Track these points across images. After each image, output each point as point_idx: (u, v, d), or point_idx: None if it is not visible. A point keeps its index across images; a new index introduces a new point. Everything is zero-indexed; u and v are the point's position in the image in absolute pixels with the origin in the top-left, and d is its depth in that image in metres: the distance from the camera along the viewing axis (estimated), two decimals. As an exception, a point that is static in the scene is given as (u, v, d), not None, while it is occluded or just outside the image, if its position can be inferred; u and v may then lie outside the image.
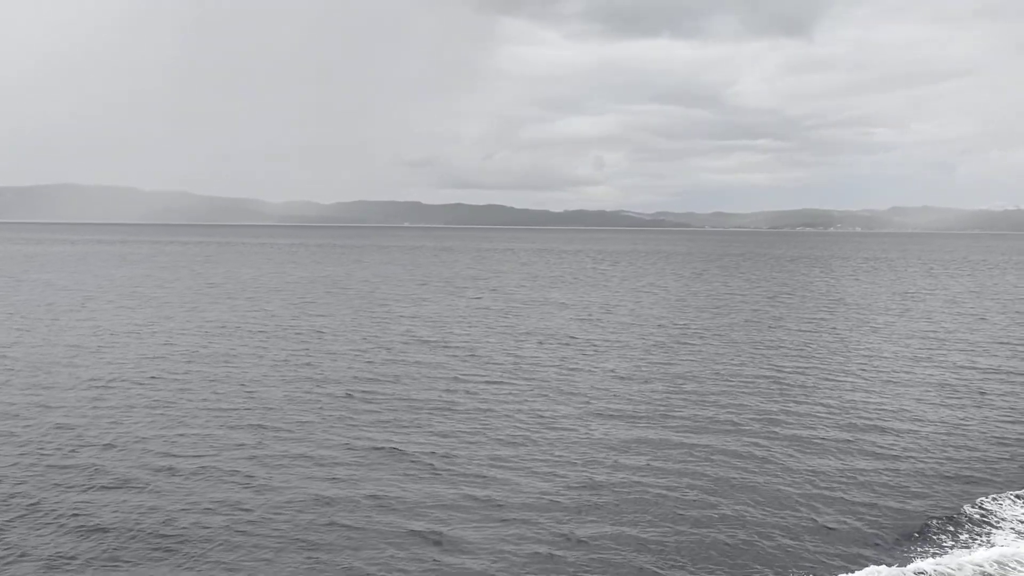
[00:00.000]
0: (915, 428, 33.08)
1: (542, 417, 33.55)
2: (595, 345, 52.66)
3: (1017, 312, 75.30)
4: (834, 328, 62.00)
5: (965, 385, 41.42)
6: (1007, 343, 55.39)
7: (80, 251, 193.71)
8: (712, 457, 28.71)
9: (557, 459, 28.34)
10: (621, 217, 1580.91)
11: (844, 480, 26.62)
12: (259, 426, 31.88)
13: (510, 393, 37.84)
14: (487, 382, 40.36)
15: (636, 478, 26.40)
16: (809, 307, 78.38)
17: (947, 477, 27.27)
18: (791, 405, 36.33)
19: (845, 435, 31.74)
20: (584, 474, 26.73)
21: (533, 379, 41.40)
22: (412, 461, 27.72)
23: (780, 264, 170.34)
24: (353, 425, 32.09)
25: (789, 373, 43.63)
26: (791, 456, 29.05)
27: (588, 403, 36.24)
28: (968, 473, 27.72)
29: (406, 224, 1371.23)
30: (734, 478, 26.55)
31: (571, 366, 44.99)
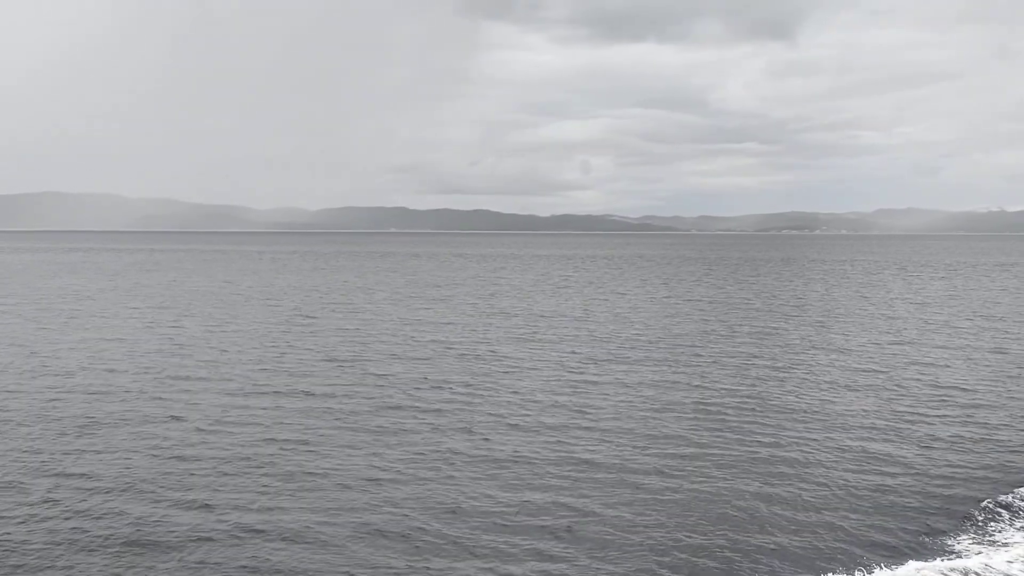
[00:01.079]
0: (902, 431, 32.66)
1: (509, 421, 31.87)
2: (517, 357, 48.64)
3: (981, 318, 71.67)
4: (785, 331, 58.26)
5: (942, 390, 40.17)
6: (970, 348, 51.75)
7: (49, 260, 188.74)
8: (709, 460, 28.63)
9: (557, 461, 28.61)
10: (608, 221, 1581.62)
11: (841, 488, 26.16)
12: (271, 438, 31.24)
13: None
14: (417, 401, 36.46)
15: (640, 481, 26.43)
16: (755, 311, 74.66)
17: (948, 479, 27.10)
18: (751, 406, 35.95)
19: (822, 437, 31.69)
20: (582, 479, 26.69)
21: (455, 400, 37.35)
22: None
23: (753, 267, 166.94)
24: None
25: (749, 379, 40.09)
26: (784, 459, 28.96)
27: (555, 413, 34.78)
28: (970, 474, 27.66)
29: (393, 230, 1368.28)
30: (732, 481, 26.46)
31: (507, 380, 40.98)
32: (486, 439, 31.15)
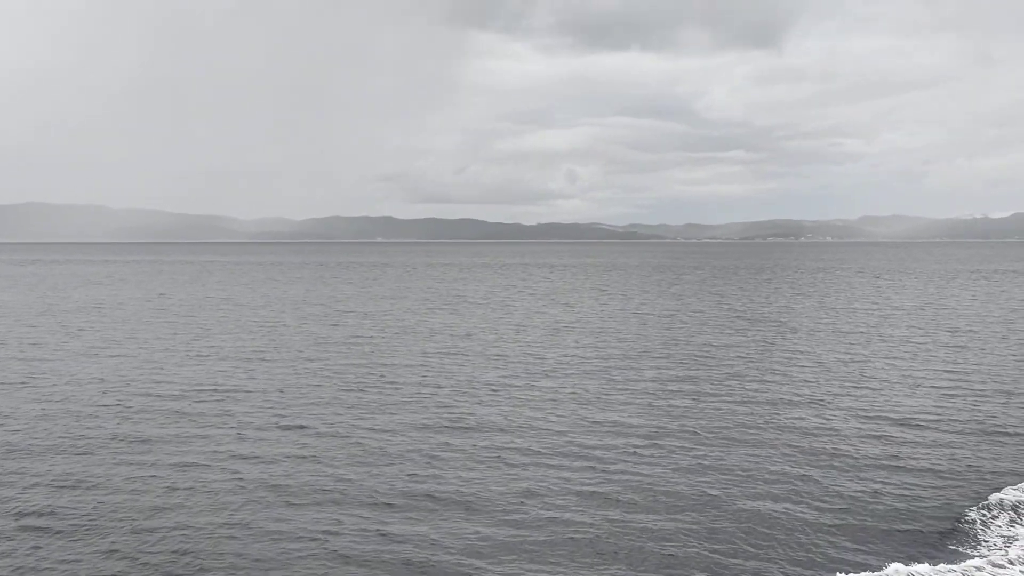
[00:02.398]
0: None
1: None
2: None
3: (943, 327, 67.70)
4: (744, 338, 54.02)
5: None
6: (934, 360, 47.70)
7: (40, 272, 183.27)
8: (701, 465, 28.62)
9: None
10: (594, 230, 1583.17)
11: (830, 492, 25.94)
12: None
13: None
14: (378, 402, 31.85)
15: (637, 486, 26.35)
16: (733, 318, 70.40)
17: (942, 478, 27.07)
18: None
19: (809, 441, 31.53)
20: (581, 489, 26.16)
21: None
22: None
23: (725, 276, 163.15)
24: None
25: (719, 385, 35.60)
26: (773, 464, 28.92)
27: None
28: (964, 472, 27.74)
29: (379, 239, 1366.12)
30: (724, 488, 26.28)
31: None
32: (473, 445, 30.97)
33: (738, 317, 77.19)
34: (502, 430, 33.26)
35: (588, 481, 26.79)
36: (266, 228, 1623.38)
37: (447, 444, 31.20)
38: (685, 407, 37.29)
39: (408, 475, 27.37)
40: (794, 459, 29.21)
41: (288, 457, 29.48)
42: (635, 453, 29.81)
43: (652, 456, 29.50)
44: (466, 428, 33.68)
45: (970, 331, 64.93)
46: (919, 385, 42.42)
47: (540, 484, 26.41)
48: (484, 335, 63.47)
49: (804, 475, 27.37)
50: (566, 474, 27.48)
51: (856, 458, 29.23)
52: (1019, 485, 26.10)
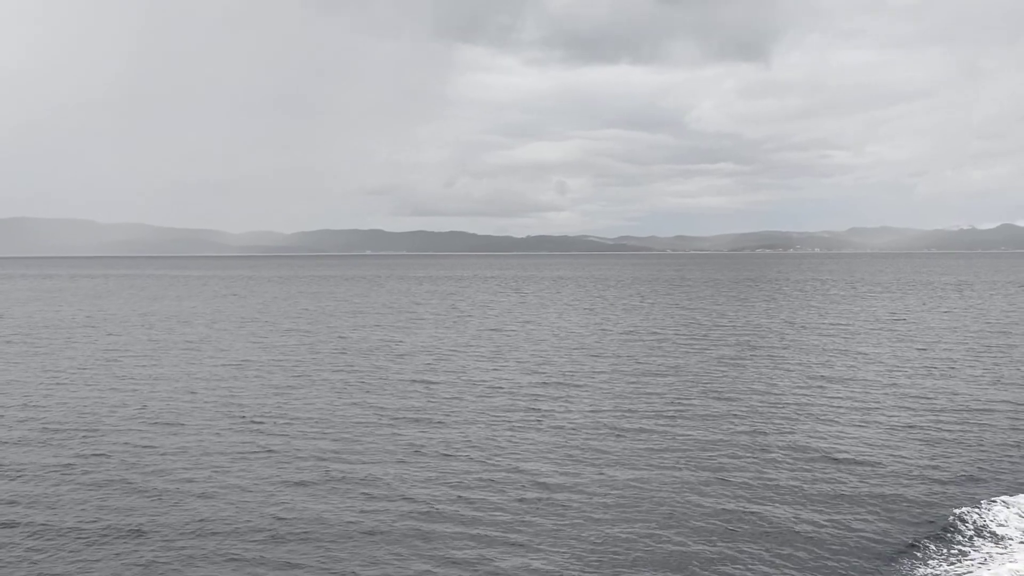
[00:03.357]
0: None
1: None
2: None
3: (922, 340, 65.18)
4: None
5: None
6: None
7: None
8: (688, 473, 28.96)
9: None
10: (584, 242, 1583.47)
11: (818, 500, 26.16)
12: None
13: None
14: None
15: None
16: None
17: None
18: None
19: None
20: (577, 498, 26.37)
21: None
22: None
23: (697, 288, 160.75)
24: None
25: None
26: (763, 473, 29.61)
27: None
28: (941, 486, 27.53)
29: (368, 252, 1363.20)
30: (716, 498, 26.39)
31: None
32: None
33: (703, 335, 74.60)
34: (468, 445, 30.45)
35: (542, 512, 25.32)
36: (255, 241, 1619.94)
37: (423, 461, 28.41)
38: (624, 429, 34.60)
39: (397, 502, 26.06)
40: (727, 489, 27.35)
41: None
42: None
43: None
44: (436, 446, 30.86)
45: (939, 347, 62.45)
46: (875, 407, 39.84)
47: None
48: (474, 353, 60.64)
49: (739, 510, 25.34)
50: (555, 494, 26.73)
51: (793, 490, 27.49)
52: (982, 503, 25.32)
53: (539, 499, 26.29)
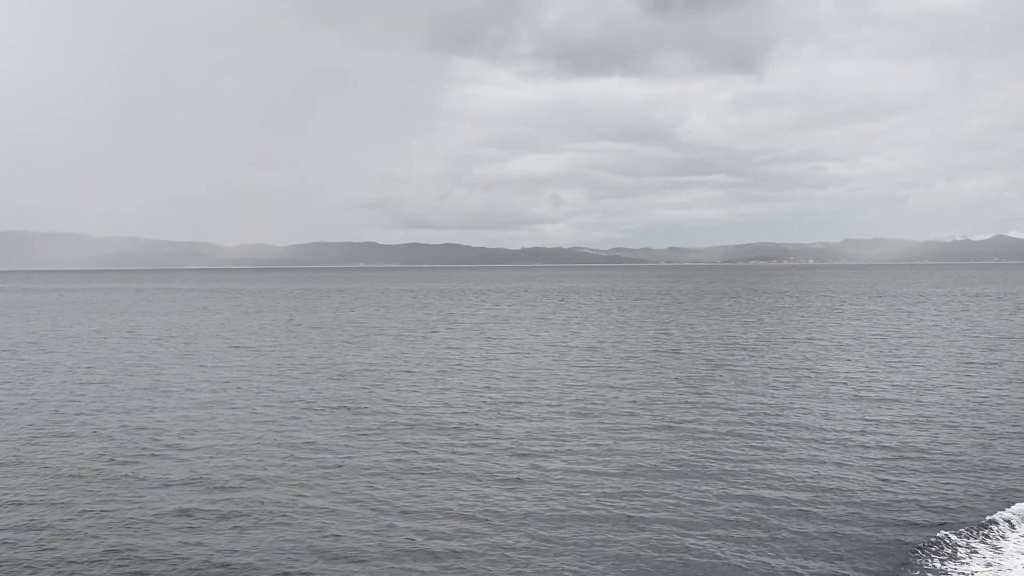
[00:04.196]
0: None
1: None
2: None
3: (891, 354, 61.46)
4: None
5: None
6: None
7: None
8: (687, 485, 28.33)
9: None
10: (577, 254, 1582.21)
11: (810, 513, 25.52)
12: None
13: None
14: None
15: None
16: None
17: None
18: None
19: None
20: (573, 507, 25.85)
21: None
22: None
23: (679, 302, 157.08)
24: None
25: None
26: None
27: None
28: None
29: (361, 265, 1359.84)
30: (713, 504, 26.14)
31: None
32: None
33: (673, 350, 70.87)
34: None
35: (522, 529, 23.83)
36: (248, 254, 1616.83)
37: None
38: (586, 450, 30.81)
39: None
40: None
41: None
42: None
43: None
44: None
45: (922, 361, 58.78)
46: (860, 423, 36.18)
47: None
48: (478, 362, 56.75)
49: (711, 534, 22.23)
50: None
51: (778, 503, 26.64)
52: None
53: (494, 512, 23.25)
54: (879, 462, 31.23)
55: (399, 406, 43.35)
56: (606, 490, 27.86)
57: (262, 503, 26.89)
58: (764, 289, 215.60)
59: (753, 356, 63.97)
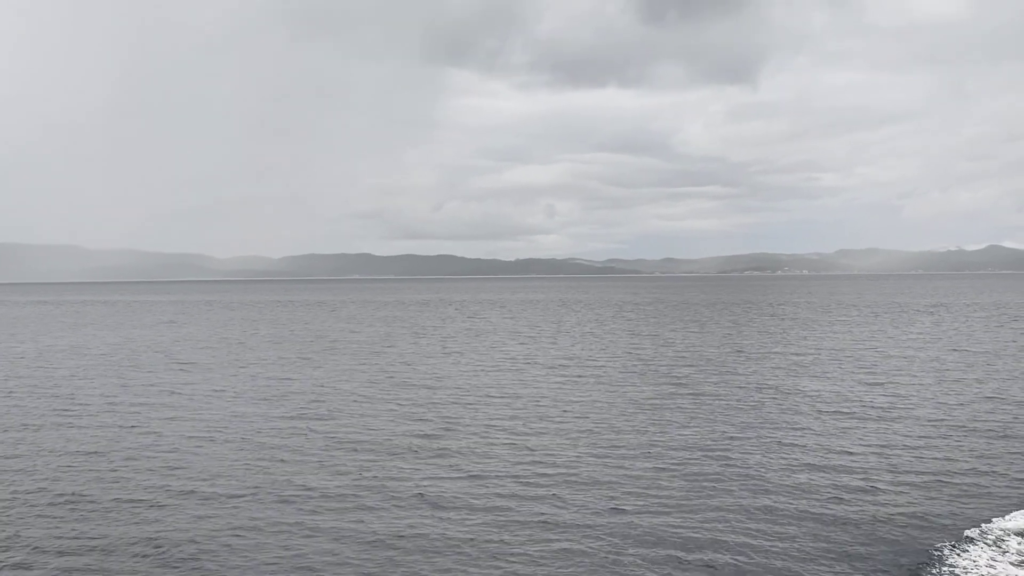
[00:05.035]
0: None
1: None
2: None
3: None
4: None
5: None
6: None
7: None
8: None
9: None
10: (572, 265, 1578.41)
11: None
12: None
13: None
14: None
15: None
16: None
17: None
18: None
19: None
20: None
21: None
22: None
23: (661, 314, 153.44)
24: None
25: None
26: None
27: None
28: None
29: (356, 276, 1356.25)
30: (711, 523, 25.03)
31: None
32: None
33: (642, 363, 67.19)
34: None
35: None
36: (243, 266, 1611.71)
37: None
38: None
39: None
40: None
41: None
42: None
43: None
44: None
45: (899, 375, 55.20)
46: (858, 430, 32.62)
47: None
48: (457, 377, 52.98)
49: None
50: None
51: (778, 514, 26.31)
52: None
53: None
54: (865, 475, 30.46)
55: (322, 425, 39.62)
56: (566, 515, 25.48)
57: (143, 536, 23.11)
58: (754, 300, 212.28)
59: (735, 370, 60.32)
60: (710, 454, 33.74)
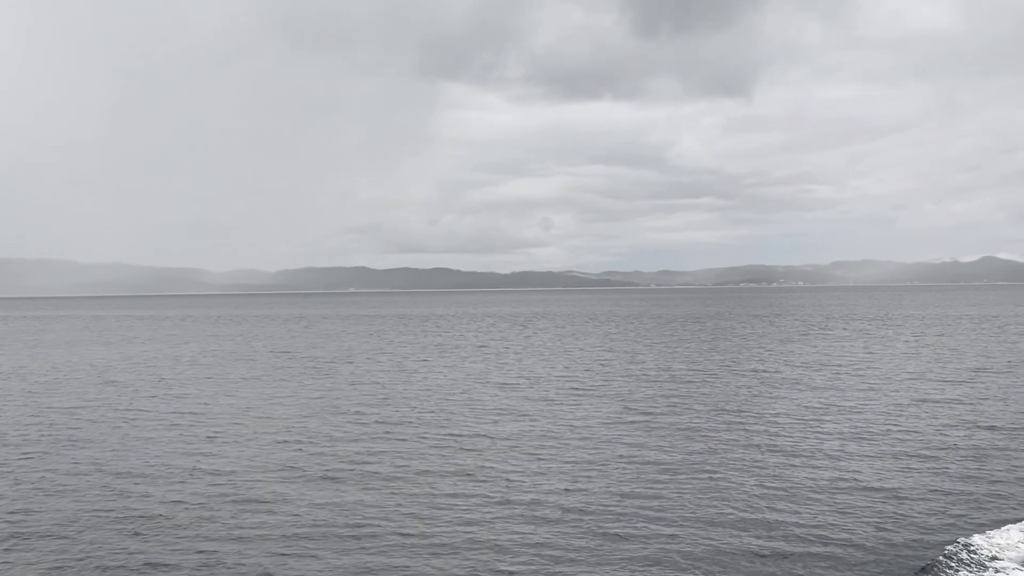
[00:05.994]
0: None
1: None
2: None
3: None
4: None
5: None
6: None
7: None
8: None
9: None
10: (568, 277, 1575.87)
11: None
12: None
13: None
14: None
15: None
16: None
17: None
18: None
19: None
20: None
21: None
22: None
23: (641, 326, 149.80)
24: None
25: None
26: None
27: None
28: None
29: (352, 290, 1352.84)
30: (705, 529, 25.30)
31: None
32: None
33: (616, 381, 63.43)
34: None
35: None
36: (238, 280, 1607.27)
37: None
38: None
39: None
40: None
41: None
42: None
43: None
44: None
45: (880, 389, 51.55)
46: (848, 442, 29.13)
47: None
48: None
49: None
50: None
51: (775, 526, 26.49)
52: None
53: None
54: (851, 495, 29.76)
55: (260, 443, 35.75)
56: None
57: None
58: (748, 312, 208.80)
59: (739, 382, 56.58)
60: (696, 470, 32.89)
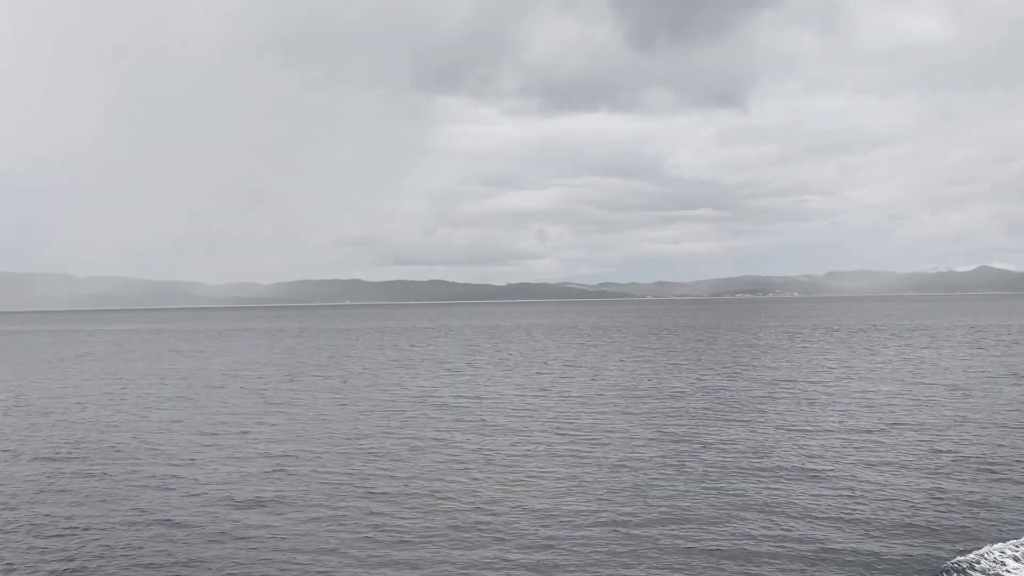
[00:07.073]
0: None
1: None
2: None
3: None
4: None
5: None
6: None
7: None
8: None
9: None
10: (565, 289, 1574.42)
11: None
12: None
13: None
14: None
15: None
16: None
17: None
18: None
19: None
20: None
21: None
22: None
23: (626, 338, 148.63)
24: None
25: None
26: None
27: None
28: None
29: (347, 302, 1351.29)
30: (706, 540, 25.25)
31: None
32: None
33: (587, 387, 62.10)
34: None
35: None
36: (234, 293, 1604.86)
37: None
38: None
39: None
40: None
41: None
42: None
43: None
44: None
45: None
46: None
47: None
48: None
49: None
50: None
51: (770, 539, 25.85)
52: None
53: None
54: (850, 505, 29.54)
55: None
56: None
57: None
58: (744, 325, 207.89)
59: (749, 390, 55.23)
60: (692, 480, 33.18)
